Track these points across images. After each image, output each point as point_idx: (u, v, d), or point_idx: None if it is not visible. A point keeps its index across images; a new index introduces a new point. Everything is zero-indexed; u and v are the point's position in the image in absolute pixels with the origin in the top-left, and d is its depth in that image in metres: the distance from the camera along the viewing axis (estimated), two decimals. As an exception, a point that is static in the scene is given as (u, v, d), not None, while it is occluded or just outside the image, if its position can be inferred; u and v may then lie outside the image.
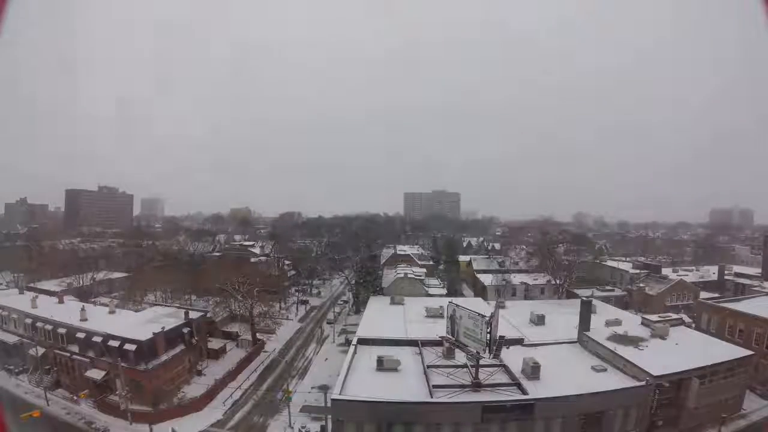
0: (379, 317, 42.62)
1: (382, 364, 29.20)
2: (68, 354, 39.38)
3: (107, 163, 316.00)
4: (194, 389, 38.58)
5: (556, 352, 33.03)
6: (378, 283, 63.59)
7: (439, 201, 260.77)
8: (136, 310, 47.66)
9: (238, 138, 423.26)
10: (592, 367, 29.89)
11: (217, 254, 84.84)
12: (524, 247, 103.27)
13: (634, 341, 33.30)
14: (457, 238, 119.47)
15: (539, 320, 41.10)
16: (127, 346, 35.91)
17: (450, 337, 29.52)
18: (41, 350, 40.58)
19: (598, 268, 73.64)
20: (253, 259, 77.42)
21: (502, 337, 27.36)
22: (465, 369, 28.64)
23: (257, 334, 51.37)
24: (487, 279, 66.81)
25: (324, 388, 37.28)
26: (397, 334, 36.33)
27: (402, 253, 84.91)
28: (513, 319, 40.30)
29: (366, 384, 26.53)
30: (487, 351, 26.01)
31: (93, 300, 53.25)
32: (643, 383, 26.96)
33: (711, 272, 68.16)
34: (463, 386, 26.44)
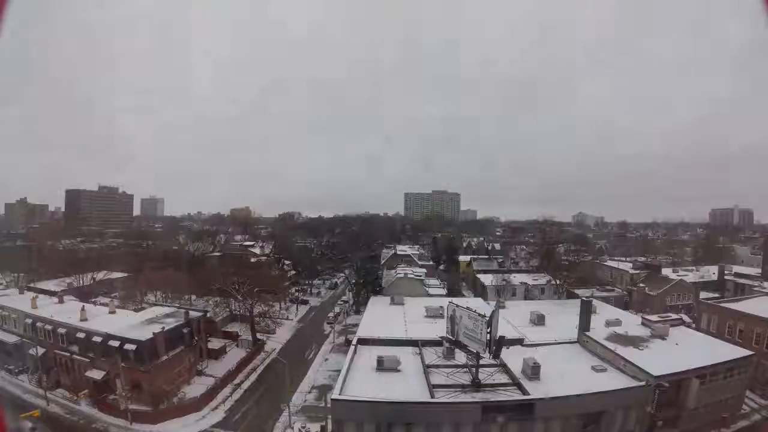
0: (379, 317, 42.56)
1: (382, 364, 29.14)
2: (68, 354, 39.41)
3: (107, 163, 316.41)
4: (194, 389, 38.62)
5: (556, 352, 32.91)
6: (378, 283, 63.57)
7: (439, 201, 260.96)
8: (136, 310, 47.59)
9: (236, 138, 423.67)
10: (592, 367, 29.84)
11: (217, 254, 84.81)
12: (524, 247, 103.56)
13: (634, 341, 33.26)
14: (457, 238, 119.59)
15: (539, 320, 41.03)
16: (127, 346, 35.90)
17: (450, 337, 29.47)
18: (41, 350, 40.54)
19: (598, 268, 73.62)
20: (253, 259, 77.41)
21: (502, 337, 27.28)
22: (465, 369, 28.62)
23: (257, 334, 51.41)
24: (487, 279, 66.85)
25: (324, 388, 37.34)
26: (397, 334, 36.24)
27: (402, 253, 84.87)
28: (513, 319, 40.19)
29: (366, 384, 26.47)
30: (487, 351, 25.98)
31: (93, 300, 53.24)
32: (643, 383, 26.92)
33: (711, 272, 68.00)
34: (463, 386, 26.38)
